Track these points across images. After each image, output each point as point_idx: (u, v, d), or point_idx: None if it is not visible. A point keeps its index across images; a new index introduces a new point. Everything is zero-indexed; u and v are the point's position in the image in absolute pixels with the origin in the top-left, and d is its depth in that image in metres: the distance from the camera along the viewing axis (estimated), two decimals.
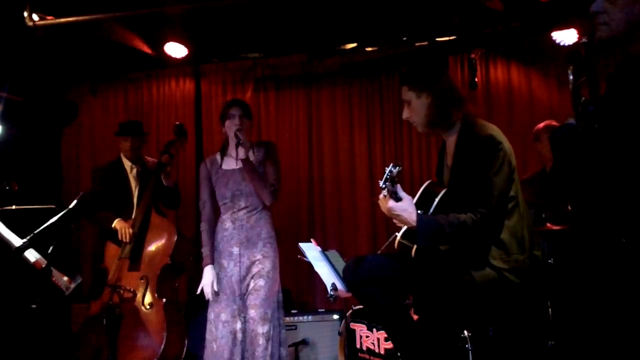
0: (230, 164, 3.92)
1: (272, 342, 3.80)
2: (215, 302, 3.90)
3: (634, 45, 2.11)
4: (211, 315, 3.90)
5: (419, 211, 2.65)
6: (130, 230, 4.27)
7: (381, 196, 2.68)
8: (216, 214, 4.04)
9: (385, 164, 5.67)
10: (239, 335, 3.81)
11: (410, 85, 2.82)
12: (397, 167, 2.61)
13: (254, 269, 3.86)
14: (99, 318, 3.92)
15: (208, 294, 3.85)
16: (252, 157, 3.92)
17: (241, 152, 3.89)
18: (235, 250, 3.87)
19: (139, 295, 4.15)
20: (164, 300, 4.17)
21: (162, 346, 4.03)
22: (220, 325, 3.85)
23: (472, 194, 2.62)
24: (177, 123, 4.53)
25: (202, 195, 4.04)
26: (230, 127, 3.87)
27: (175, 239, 4.32)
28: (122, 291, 4.05)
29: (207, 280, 3.86)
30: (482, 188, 2.61)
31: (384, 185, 2.61)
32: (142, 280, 4.18)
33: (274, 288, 3.88)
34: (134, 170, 4.61)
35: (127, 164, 4.63)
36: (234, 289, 3.86)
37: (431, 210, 2.71)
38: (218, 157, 4.02)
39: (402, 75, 2.89)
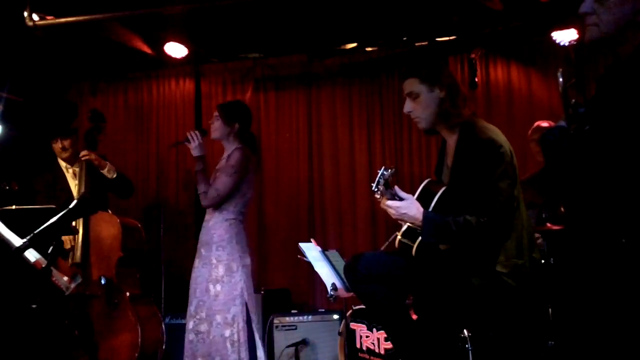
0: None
1: (239, 346, 3.74)
2: None
3: (624, 46, 2.10)
4: None
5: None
6: (74, 235, 4.14)
7: (382, 203, 2.69)
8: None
9: (385, 164, 5.73)
10: (190, 336, 3.79)
11: (422, 77, 2.73)
12: (390, 170, 2.62)
13: (213, 274, 3.83)
14: (70, 330, 3.87)
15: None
16: (224, 161, 3.94)
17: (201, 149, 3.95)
18: (202, 251, 3.90)
19: (102, 296, 4.10)
20: (128, 294, 4.13)
21: (140, 339, 4.00)
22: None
23: (477, 200, 2.60)
24: (91, 109, 4.43)
25: None
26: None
27: (120, 229, 4.22)
28: (84, 298, 4.00)
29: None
30: (488, 195, 2.57)
31: (376, 189, 2.63)
32: (101, 281, 4.13)
33: (233, 291, 3.81)
34: (71, 171, 4.51)
35: (62, 164, 4.54)
36: (194, 289, 3.86)
37: (430, 209, 2.71)
38: None
39: (412, 68, 2.79)
